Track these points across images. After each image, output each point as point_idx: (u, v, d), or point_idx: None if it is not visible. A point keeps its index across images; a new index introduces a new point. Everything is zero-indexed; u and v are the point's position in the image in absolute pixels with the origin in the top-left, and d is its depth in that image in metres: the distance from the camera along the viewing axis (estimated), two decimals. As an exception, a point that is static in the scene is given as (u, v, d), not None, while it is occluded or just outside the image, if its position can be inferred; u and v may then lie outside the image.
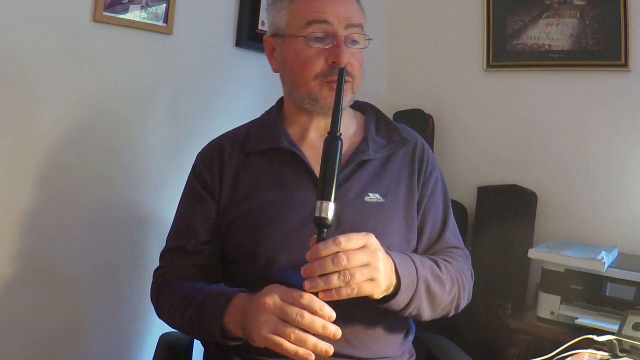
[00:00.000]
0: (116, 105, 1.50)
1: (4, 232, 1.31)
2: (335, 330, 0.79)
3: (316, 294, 0.79)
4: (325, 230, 0.81)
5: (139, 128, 1.56)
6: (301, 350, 0.78)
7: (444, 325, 1.90)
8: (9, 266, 1.32)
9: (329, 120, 1.06)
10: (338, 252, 0.78)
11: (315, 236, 0.82)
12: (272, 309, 0.80)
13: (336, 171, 0.82)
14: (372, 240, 0.83)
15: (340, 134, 0.84)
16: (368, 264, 0.80)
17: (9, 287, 1.32)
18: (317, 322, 0.78)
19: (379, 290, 0.83)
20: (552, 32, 2.04)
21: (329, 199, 0.81)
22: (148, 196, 1.59)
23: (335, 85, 0.93)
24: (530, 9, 2.08)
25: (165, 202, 1.59)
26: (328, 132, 0.84)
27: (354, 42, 1.01)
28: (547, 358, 0.99)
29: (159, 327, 1.20)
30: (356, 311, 0.97)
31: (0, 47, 1.26)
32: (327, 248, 0.79)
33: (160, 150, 1.61)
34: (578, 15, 1.98)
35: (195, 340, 1.20)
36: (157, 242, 1.11)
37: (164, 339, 1.19)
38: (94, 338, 1.49)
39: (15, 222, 1.33)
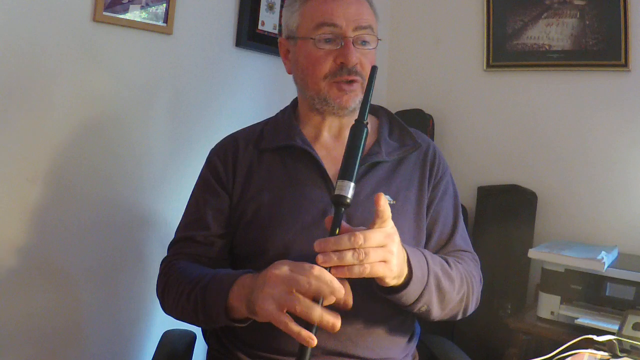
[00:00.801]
0: (116, 105, 1.50)
1: (5, 232, 1.31)
2: (347, 297, 0.77)
3: (328, 270, 0.78)
4: (342, 210, 0.80)
5: (139, 128, 1.56)
6: (304, 332, 0.75)
7: (444, 325, 1.90)
8: (11, 266, 1.32)
9: (342, 120, 1.07)
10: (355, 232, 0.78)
11: (332, 216, 0.81)
12: (280, 279, 0.79)
13: (359, 154, 0.82)
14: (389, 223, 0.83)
15: (367, 123, 0.85)
16: (384, 246, 0.80)
17: (10, 286, 1.32)
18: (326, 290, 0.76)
19: (390, 273, 0.82)
20: (552, 32, 2.04)
21: (350, 179, 0.80)
22: (148, 195, 1.59)
23: (343, 86, 1.00)
24: (530, 9, 2.08)
25: (166, 201, 1.59)
26: (355, 120, 0.85)
27: (365, 42, 1.03)
28: (547, 358, 0.99)
29: (160, 327, 1.20)
30: (362, 311, 0.97)
31: (1, 48, 1.26)
32: (339, 244, 0.78)
33: (161, 149, 1.61)
34: (578, 15, 1.98)
35: (196, 339, 1.20)
36: (158, 241, 1.11)
37: (165, 337, 1.19)
38: (94, 337, 1.49)
39: (16, 222, 1.33)
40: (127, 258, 1.55)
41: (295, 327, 0.76)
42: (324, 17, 1.00)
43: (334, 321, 0.76)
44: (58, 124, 1.38)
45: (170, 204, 1.17)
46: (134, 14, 1.48)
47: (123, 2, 1.45)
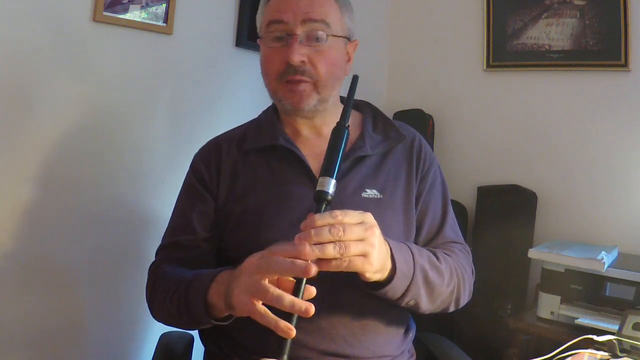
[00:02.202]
0: (116, 105, 1.50)
1: (4, 231, 1.31)
2: (307, 265, 0.74)
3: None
4: (324, 205, 0.80)
5: (139, 128, 1.56)
6: (282, 323, 0.74)
7: (444, 325, 1.90)
8: (9, 265, 1.32)
9: (314, 121, 1.06)
10: (334, 224, 0.77)
11: (313, 213, 0.80)
12: (253, 266, 0.79)
13: (340, 152, 0.83)
14: (369, 218, 0.82)
15: (348, 126, 0.86)
16: (363, 239, 0.79)
17: (9, 286, 1.32)
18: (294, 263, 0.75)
19: (370, 267, 0.81)
20: (552, 32, 2.04)
21: (331, 176, 0.81)
22: (148, 195, 1.59)
23: (292, 86, 0.98)
24: (530, 9, 2.08)
25: (165, 201, 1.58)
26: (337, 123, 0.86)
27: (318, 38, 0.99)
28: (547, 358, 0.99)
29: (159, 327, 1.20)
30: (354, 310, 0.97)
31: (0, 47, 1.26)
32: (323, 218, 0.77)
33: (161, 149, 1.61)
34: (578, 15, 1.99)
35: (194, 341, 1.20)
36: (158, 241, 1.11)
37: (164, 339, 1.19)
38: (94, 338, 1.49)
39: (15, 222, 1.33)
40: (126, 258, 1.55)
41: (272, 318, 0.75)
42: (272, 15, 0.98)
43: (307, 306, 0.74)
44: (57, 124, 1.38)
45: (170, 204, 1.17)
46: (134, 14, 1.48)
47: (123, 2, 1.45)
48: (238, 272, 0.81)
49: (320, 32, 0.98)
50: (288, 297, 0.74)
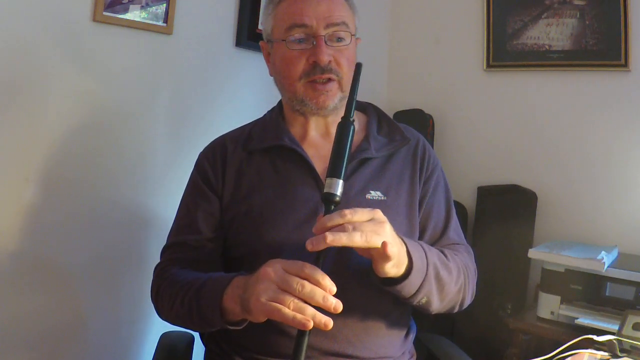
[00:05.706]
0: (116, 105, 1.50)
1: (4, 232, 1.31)
2: (336, 304, 0.76)
3: (320, 265, 0.78)
4: (332, 206, 0.81)
5: (139, 128, 1.56)
6: (299, 316, 0.74)
7: (444, 325, 1.91)
8: (9, 266, 1.32)
9: (327, 119, 1.07)
10: (344, 223, 0.78)
11: (322, 214, 0.81)
12: (273, 277, 0.78)
13: (347, 151, 0.83)
14: (379, 214, 0.82)
15: (353, 120, 0.86)
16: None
17: (10, 286, 1.32)
18: (318, 293, 0.76)
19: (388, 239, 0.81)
20: (552, 32, 2.04)
21: (339, 177, 0.81)
22: (149, 195, 1.59)
23: (318, 86, 1.00)
24: (530, 9, 2.08)
25: (166, 201, 1.59)
26: (342, 118, 0.86)
27: (340, 39, 1.02)
28: (547, 358, 0.99)
29: (159, 327, 1.20)
30: (358, 311, 0.97)
31: (0, 47, 1.26)
32: (332, 220, 0.78)
33: (161, 150, 1.61)
34: (578, 15, 1.99)
35: (195, 340, 1.20)
36: (158, 242, 1.11)
37: (164, 339, 1.19)
38: (94, 337, 1.49)
39: (15, 222, 1.33)
40: (126, 258, 1.55)
41: (289, 312, 0.75)
42: (294, 18, 1.00)
43: (327, 320, 0.76)
44: (57, 124, 1.38)
45: (170, 204, 1.18)
46: (134, 14, 1.48)
47: (123, 2, 1.45)
48: (254, 279, 0.81)
49: (342, 33, 1.02)
50: (310, 309, 0.75)
